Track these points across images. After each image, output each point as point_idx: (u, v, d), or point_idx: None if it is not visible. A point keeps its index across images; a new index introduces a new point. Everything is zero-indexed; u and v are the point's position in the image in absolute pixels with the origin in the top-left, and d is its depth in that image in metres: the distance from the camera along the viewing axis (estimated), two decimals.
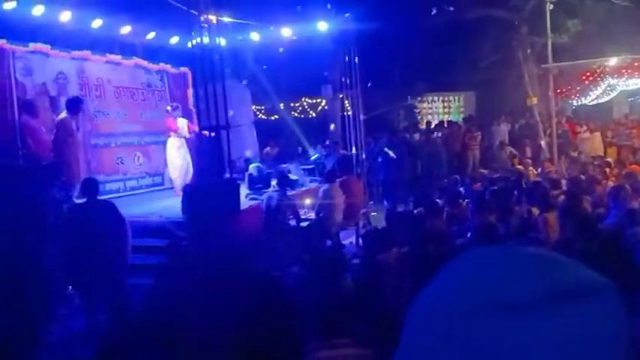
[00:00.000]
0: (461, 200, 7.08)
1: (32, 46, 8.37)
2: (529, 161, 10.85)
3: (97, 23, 9.05)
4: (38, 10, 8.01)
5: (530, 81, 13.34)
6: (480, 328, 0.49)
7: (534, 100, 13.17)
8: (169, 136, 9.22)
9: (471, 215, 5.96)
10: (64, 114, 7.55)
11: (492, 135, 13.97)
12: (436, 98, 19.98)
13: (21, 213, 4.53)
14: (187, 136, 9.27)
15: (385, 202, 10.52)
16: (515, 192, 7.20)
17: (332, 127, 14.02)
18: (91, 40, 9.30)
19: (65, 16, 8.43)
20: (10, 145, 7.31)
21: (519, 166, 9.93)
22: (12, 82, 7.88)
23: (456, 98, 20.03)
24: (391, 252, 4.71)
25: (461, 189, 8.13)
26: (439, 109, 19.97)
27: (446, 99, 20.02)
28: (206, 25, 7.56)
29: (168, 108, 9.55)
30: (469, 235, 5.31)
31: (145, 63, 10.62)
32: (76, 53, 9.13)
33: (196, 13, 7.53)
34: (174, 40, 10.74)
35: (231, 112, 7.81)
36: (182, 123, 9.31)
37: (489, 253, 0.57)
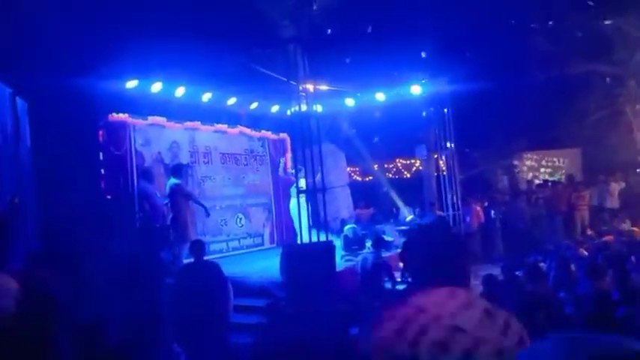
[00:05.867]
0: (569, 264, 6.63)
1: (150, 119, 9.23)
2: None
3: (206, 96, 9.91)
4: (156, 87, 8.90)
5: None
6: None
7: None
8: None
9: (581, 281, 5.57)
10: (173, 180, 8.17)
11: (602, 194, 13.08)
12: (537, 156, 19.13)
13: (138, 271, 4.91)
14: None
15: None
16: (632, 257, 6.65)
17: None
18: (201, 111, 10.13)
19: (180, 91, 9.30)
20: (129, 209, 8.02)
21: (634, 229, 9.17)
22: (132, 152, 8.72)
23: (560, 156, 19.06)
24: None
25: (568, 252, 7.64)
26: (541, 168, 19.08)
27: (548, 157, 19.10)
28: (304, 94, 8.01)
29: (292, 171, 10.03)
30: (579, 303, 4.95)
31: (248, 131, 11.37)
32: (188, 124, 9.97)
33: (295, 84, 8.01)
34: (274, 108, 11.46)
35: (318, 177, 8.02)
36: (303, 183, 9.60)
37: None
